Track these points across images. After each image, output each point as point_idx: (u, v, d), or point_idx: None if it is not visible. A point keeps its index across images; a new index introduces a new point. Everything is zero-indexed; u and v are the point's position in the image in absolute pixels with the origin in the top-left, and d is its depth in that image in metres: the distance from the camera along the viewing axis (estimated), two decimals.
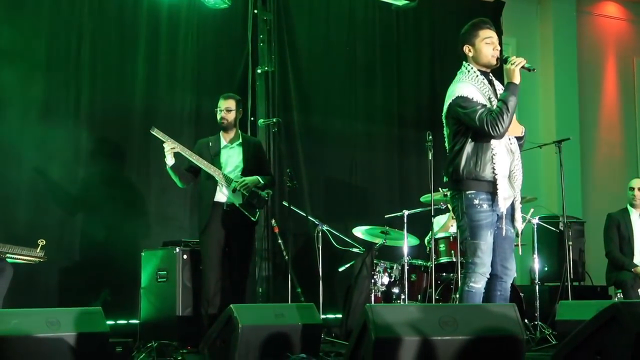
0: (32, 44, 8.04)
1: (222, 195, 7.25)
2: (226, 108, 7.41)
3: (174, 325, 7.25)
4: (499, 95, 5.50)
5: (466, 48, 5.58)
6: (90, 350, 5.23)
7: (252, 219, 7.31)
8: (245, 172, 7.33)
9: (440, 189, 7.81)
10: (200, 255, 7.33)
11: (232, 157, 7.40)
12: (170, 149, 7.15)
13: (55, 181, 8.01)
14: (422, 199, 8.30)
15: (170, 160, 7.19)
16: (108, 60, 8.41)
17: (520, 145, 5.62)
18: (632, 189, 8.99)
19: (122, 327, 7.86)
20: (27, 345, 4.98)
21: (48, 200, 7.96)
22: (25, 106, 7.93)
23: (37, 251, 6.59)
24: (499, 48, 5.57)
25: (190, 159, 7.24)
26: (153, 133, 7.18)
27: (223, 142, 7.43)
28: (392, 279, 8.16)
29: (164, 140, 7.17)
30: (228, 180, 7.22)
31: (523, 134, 5.65)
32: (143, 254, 7.62)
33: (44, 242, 6.61)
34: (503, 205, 5.42)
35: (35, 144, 7.92)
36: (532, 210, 8.52)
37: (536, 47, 11.84)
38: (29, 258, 6.60)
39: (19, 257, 6.55)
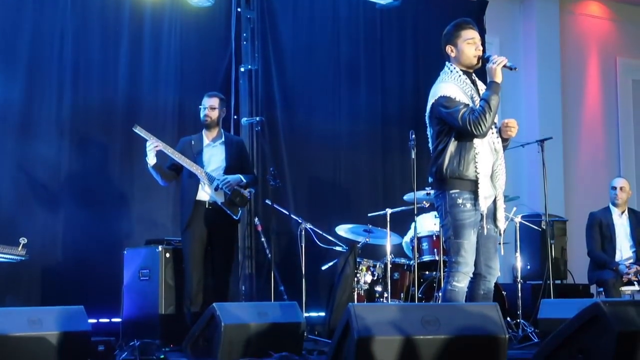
0: (14, 42, 8.00)
1: (204, 193, 7.25)
2: (210, 106, 7.42)
3: (157, 323, 7.23)
4: (481, 95, 5.52)
5: (448, 48, 5.59)
6: (72, 349, 5.22)
7: (235, 217, 7.31)
8: (227, 171, 7.33)
9: (426, 188, 7.84)
10: (182, 253, 7.32)
11: (214, 156, 7.40)
12: (154, 147, 7.14)
13: (37, 179, 7.97)
14: (405, 197, 8.31)
15: (152, 160, 7.18)
16: (91, 58, 8.37)
17: (504, 146, 5.64)
18: (614, 188, 9.03)
19: (104, 325, 7.84)
20: (8, 345, 4.97)
21: (30, 199, 7.92)
22: (6, 104, 7.89)
23: (19, 249, 6.57)
24: (481, 48, 5.59)
25: (173, 157, 7.24)
26: (136, 131, 7.16)
27: (206, 141, 7.43)
28: (375, 278, 8.16)
29: (147, 138, 7.16)
30: (210, 179, 7.22)
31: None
32: (125, 252, 7.60)
33: (26, 240, 6.59)
34: (484, 204, 5.44)
35: (17, 142, 7.89)
36: (514, 209, 8.54)
37: (519, 46, 11.86)
38: (10, 256, 6.58)
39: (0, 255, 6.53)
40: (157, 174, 7.33)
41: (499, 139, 5.59)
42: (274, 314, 6.06)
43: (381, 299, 8.04)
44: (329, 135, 9.68)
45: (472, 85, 5.56)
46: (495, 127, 5.57)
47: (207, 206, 7.26)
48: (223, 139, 7.49)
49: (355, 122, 9.89)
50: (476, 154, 5.42)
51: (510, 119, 5.61)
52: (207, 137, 7.45)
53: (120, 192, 8.39)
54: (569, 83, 12.08)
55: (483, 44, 5.67)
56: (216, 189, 7.22)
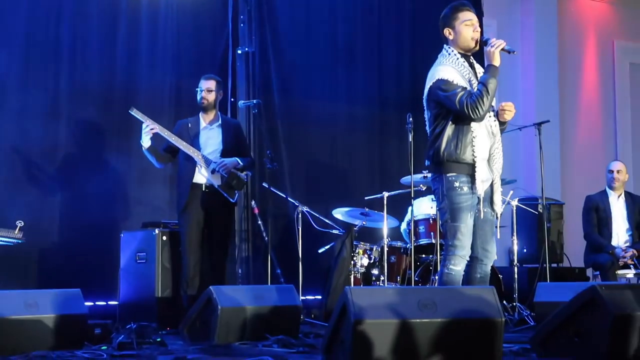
0: (10, 24, 7.97)
1: (201, 176, 7.24)
2: (207, 88, 7.40)
3: (153, 306, 7.24)
4: (479, 78, 5.50)
5: (446, 31, 5.57)
6: (69, 331, 5.23)
7: (231, 200, 7.30)
8: (224, 154, 7.32)
9: (422, 171, 7.83)
10: (179, 236, 7.32)
11: (211, 139, 7.38)
12: (150, 129, 7.12)
13: (33, 161, 7.96)
14: (402, 180, 8.30)
15: (147, 142, 7.17)
16: (88, 40, 8.35)
17: (502, 129, 5.63)
18: (611, 171, 9.03)
19: (101, 308, 7.85)
20: (5, 327, 4.97)
21: (26, 181, 7.92)
22: (3, 86, 7.87)
23: (15, 232, 6.56)
24: (479, 30, 5.57)
25: (170, 139, 7.23)
26: (132, 113, 7.15)
27: (203, 124, 7.41)
28: (372, 261, 8.17)
29: (143, 120, 7.14)
30: (207, 162, 7.21)
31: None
32: (122, 235, 7.62)
33: (22, 223, 6.58)
34: (481, 188, 5.43)
35: (13, 123, 7.88)
36: (511, 192, 8.54)
37: (517, 29, 11.84)
38: (6, 239, 6.57)
39: None
40: (152, 156, 7.32)
41: (496, 122, 5.58)
42: (270, 297, 6.07)
43: (378, 282, 8.05)
44: (326, 118, 9.68)
45: (470, 68, 5.55)
46: (493, 111, 5.56)
47: (203, 189, 7.25)
48: (220, 122, 7.47)
49: (353, 105, 9.88)
50: (473, 137, 5.41)
51: (507, 103, 5.60)
52: (204, 119, 7.43)
53: (117, 174, 8.38)
54: (566, 66, 12.07)
55: (481, 27, 5.65)
56: (213, 172, 7.21)
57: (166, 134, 7.20)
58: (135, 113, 7.14)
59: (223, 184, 7.23)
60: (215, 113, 7.47)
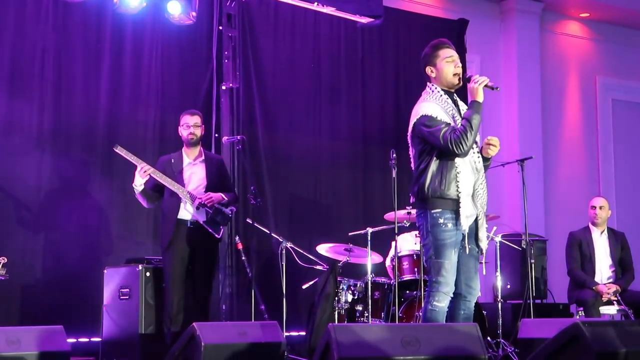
0: None
1: (186, 212, 7.22)
2: (194, 124, 7.40)
3: (137, 343, 7.20)
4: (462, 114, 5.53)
5: (428, 69, 5.62)
6: None
7: (216, 235, 7.29)
8: (208, 189, 7.31)
9: (406, 207, 7.84)
10: (163, 272, 7.29)
11: (195, 174, 7.38)
12: (144, 172, 7.07)
13: (17, 198, 7.93)
14: (386, 216, 8.31)
15: (141, 185, 7.14)
16: (72, 76, 8.36)
17: (486, 166, 5.66)
18: (594, 207, 9.06)
19: (84, 345, 7.80)
20: None
21: (10, 218, 7.89)
22: None
23: None
24: (460, 66, 5.61)
25: (160, 180, 7.18)
26: (117, 151, 7.14)
27: (186, 159, 7.40)
28: (356, 297, 8.15)
29: (128, 158, 7.12)
30: (192, 198, 7.20)
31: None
32: (105, 271, 7.58)
33: (5, 259, 6.55)
34: (465, 224, 5.44)
35: None
36: (495, 228, 8.56)
37: (500, 64, 11.92)
38: None
39: None
40: (144, 199, 7.30)
41: (480, 158, 5.61)
42: (254, 334, 6.04)
43: (362, 319, 8.02)
44: (310, 154, 9.69)
45: (453, 105, 5.58)
46: (477, 146, 5.59)
47: (188, 225, 7.24)
48: (203, 157, 7.47)
49: (336, 141, 9.91)
50: (457, 173, 5.44)
51: (492, 137, 5.63)
52: (187, 155, 7.42)
53: (100, 211, 8.36)
54: (549, 102, 12.14)
55: (464, 63, 5.70)
56: (198, 208, 7.20)
57: (158, 175, 7.17)
58: (119, 150, 7.13)
59: (208, 219, 7.22)
60: (199, 149, 7.47)
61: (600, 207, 9.04)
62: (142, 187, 7.17)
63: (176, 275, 7.18)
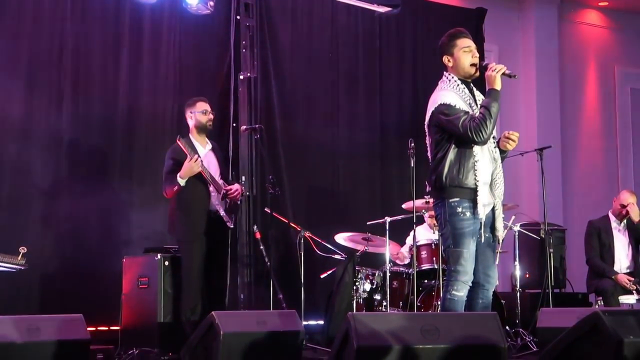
0: (13, 48, 7.99)
1: (211, 202, 7.22)
2: (211, 110, 7.41)
3: (155, 332, 7.21)
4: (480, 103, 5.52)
5: (445, 59, 5.61)
6: (70, 357, 5.20)
7: (231, 225, 7.31)
8: (221, 177, 7.33)
9: (425, 196, 7.83)
10: (181, 261, 7.30)
11: (211, 163, 7.38)
12: (199, 164, 7.03)
13: (36, 187, 7.96)
14: (404, 205, 8.30)
15: (186, 179, 7.05)
16: (90, 67, 8.38)
17: (502, 157, 5.64)
18: (624, 206, 8.93)
19: (103, 333, 7.82)
20: (7, 353, 4.95)
21: (29, 207, 7.91)
22: (5, 111, 7.88)
23: (19, 259, 6.55)
24: (477, 55, 5.60)
25: (203, 172, 7.14)
26: (178, 142, 7.08)
27: (200, 147, 7.36)
28: (374, 286, 8.15)
29: (185, 150, 7.02)
30: (219, 188, 7.19)
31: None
32: (124, 260, 7.59)
33: (25, 249, 6.57)
34: (482, 212, 5.43)
35: (16, 149, 7.88)
36: (513, 217, 8.55)
37: (518, 54, 11.88)
38: (9, 265, 6.56)
39: None
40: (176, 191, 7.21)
41: (497, 149, 5.59)
42: (272, 323, 6.04)
43: (380, 308, 8.02)
44: (327, 143, 9.69)
45: (470, 94, 5.57)
46: (494, 138, 5.57)
47: (210, 215, 7.25)
48: (211, 145, 7.47)
49: (354, 131, 9.90)
50: (476, 161, 5.42)
51: (513, 132, 5.58)
52: (200, 143, 7.39)
53: (120, 200, 8.38)
54: (567, 91, 12.10)
55: (482, 53, 5.68)
56: (223, 198, 7.22)
57: (203, 168, 7.14)
58: (180, 142, 7.04)
59: (226, 209, 7.24)
60: (205, 136, 7.47)
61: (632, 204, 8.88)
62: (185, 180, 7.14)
63: (194, 264, 7.18)
